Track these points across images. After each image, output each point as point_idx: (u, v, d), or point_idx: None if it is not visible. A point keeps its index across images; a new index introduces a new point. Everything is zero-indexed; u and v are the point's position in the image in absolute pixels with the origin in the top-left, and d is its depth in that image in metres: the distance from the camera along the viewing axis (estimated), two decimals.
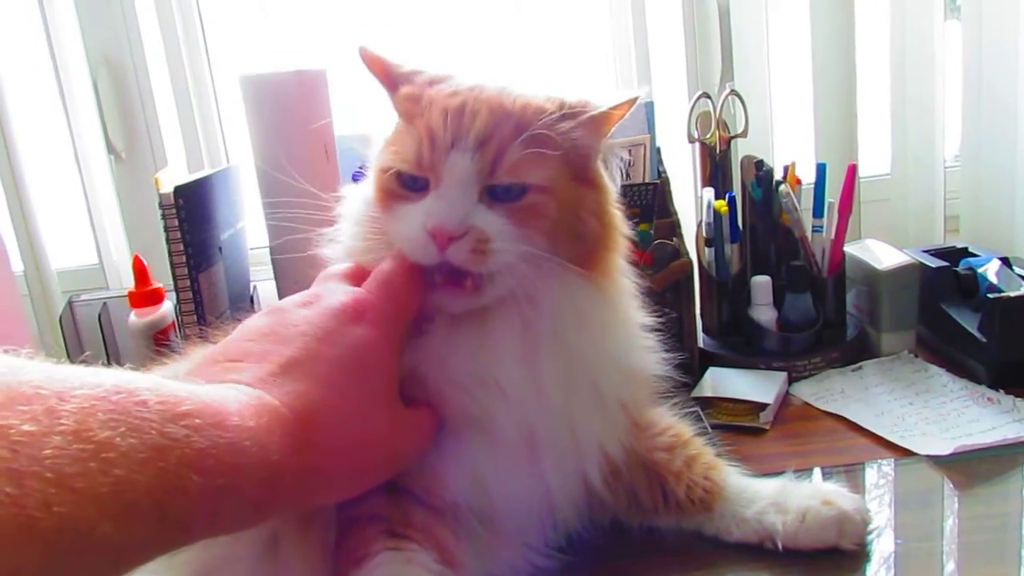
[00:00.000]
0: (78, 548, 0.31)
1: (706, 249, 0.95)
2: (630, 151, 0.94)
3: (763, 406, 0.81)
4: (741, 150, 1.04)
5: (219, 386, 0.42)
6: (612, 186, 0.59)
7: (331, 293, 0.51)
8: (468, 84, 0.56)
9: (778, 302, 0.94)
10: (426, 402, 0.53)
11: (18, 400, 0.32)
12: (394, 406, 0.50)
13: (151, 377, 0.39)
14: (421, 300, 0.54)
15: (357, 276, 0.54)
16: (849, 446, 0.75)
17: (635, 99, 0.56)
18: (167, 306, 0.98)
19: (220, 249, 0.98)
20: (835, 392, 0.86)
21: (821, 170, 0.95)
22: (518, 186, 0.52)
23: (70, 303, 1.08)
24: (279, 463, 0.41)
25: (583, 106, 0.55)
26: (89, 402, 0.34)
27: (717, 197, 0.95)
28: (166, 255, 0.92)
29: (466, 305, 0.54)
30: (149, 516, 0.34)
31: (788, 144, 1.20)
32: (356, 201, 0.61)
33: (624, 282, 0.61)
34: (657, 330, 0.63)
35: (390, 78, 0.58)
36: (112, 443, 0.33)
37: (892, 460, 0.72)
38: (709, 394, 0.84)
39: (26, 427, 0.31)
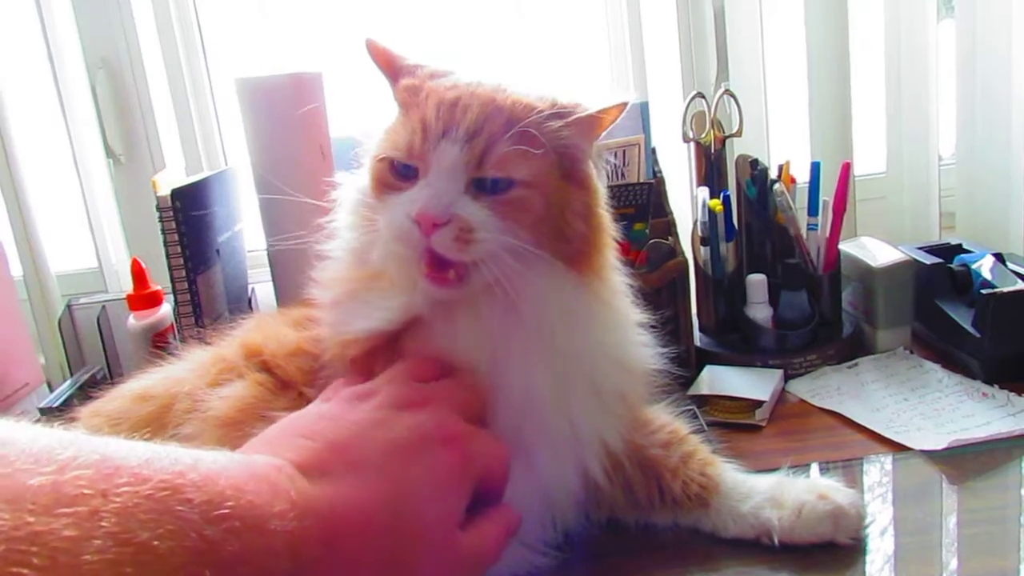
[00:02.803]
0: None
1: (702, 248, 0.96)
2: (616, 153, 0.95)
3: (759, 403, 0.81)
4: (736, 149, 1.04)
5: (276, 470, 0.42)
6: (602, 188, 0.60)
7: (436, 408, 0.50)
8: (467, 80, 0.57)
9: (774, 300, 0.95)
10: (495, 522, 0.50)
11: (63, 502, 0.32)
12: (449, 542, 0.47)
13: (204, 465, 0.38)
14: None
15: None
16: (845, 442, 0.76)
17: (625, 104, 0.57)
18: (166, 308, 0.98)
19: (218, 251, 0.99)
20: (831, 389, 0.86)
21: (815, 168, 0.95)
22: (504, 180, 0.53)
23: (69, 306, 1.09)
24: (310, 571, 0.40)
25: (574, 107, 0.56)
26: (133, 500, 0.34)
27: (712, 196, 0.95)
28: (164, 258, 0.92)
29: (451, 295, 0.54)
30: None
31: (783, 143, 1.20)
32: (351, 189, 0.62)
33: (615, 280, 0.62)
34: (652, 327, 0.64)
35: (393, 68, 0.59)
36: (151, 546, 0.33)
37: (888, 455, 0.73)
38: (705, 391, 0.84)
39: (67, 532, 0.31)
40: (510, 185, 0.53)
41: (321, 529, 0.41)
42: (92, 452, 0.35)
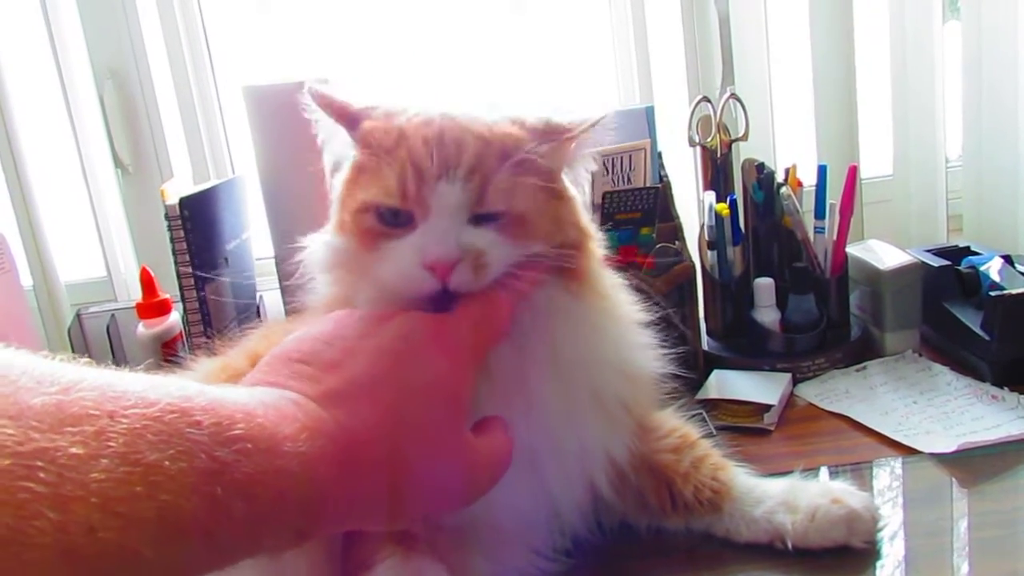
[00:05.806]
0: (120, 573, 0.31)
1: (709, 252, 0.96)
2: (623, 158, 0.95)
3: (767, 407, 0.81)
4: (742, 153, 1.04)
5: (281, 397, 0.42)
6: (578, 195, 0.59)
7: (417, 312, 0.50)
8: (432, 112, 0.54)
9: (781, 304, 0.94)
10: (501, 428, 0.51)
11: (67, 421, 0.31)
12: (459, 440, 0.47)
13: (211, 392, 0.38)
14: (509, 328, 0.53)
15: None
16: (854, 445, 0.76)
17: (604, 118, 0.56)
18: (174, 317, 0.99)
19: (226, 259, 0.99)
20: (839, 392, 0.86)
21: (822, 172, 0.95)
22: (504, 212, 0.53)
23: (79, 315, 1.09)
24: (325, 491, 0.40)
25: (557, 129, 0.55)
26: (141, 422, 0.33)
27: (719, 200, 0.95)
28: (173, 266, 0.93)
29: None
30: (193, 541, 0.34)
31: (789, 147, 1.20)
32: (319, 248, 0.59)
33: (609, 283, 0.61)
34: (656, 328, 0.64)
35: (346, 115, 0.56)
36: (161, 466, 0.32)
37: (898, 459, 0.72)
38: (714, 396, 0.84)
39: (74, 450, 0.31)
40: (509, 212, 0.53)
41: (335, 449, 0.41)
42: (96, 377, 0.34)
